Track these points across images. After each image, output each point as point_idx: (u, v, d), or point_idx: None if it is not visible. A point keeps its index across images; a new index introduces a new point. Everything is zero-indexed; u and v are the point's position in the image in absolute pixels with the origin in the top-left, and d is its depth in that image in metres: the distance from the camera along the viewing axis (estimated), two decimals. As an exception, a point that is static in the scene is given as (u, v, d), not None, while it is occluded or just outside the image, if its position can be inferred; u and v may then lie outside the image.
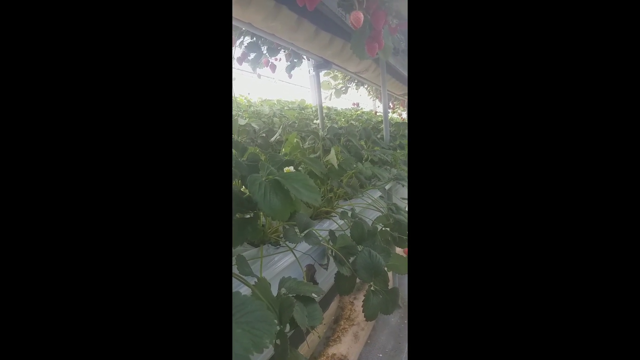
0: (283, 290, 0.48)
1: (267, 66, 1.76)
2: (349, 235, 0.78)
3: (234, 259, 0.49)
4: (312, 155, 0.95)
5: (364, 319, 0.70)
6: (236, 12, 0.94)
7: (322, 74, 2.15)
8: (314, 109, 3.08)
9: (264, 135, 1.17)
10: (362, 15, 0.71)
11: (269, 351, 0.58)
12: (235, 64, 1.71)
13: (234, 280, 0.51)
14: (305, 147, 1.14)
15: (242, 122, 1.36)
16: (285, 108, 2.77)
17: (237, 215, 0.54)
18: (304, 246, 0.72)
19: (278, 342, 0.40)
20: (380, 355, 1.19)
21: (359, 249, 0.73)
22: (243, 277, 0.47)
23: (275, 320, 0.28)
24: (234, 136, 1.05)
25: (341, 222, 0.88)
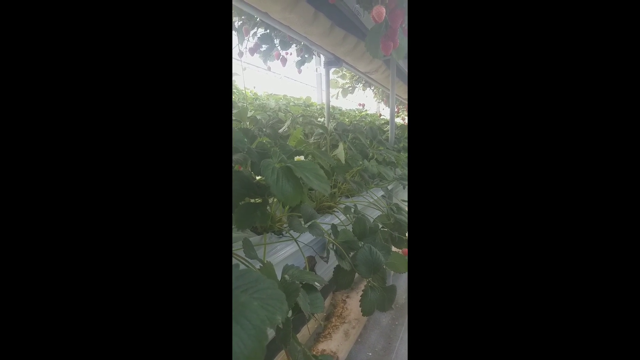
0: (287, 277, 0.48)
1: (278, 59, 1.76)
2: (350, 230, 0.78)
3: (240, 242, 0.49)
4: (319, 149, 0.95)
5: (358, 315, 0.70)
6: (254, 0, 0.94)
7: (331, 71, 2.15)
8: (318, 106, 3.08)
9: (271, 125, 1.17)
10: (384, 10, 0.71)
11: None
12: (247, 54, 1.71)
13: (240, 263, 0.51)
14: (310, 142, 1.15)
15: (248, 114, 1.36)
16: (291, 104, 2.77)
17: (246, 199, 0.54)
18: (304, 238, 0.73)
19: (281, 325, 0.40)
20: (370, 354, 1.20)
21: (360, 245, 0.73)
22: (249, 260, 0.47)
23: (285, 300, 0.29)
24: (244, 124, 1.05)
25: (343, 217, 0.88)
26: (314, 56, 1.97)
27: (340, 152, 0.84)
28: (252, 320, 0.23)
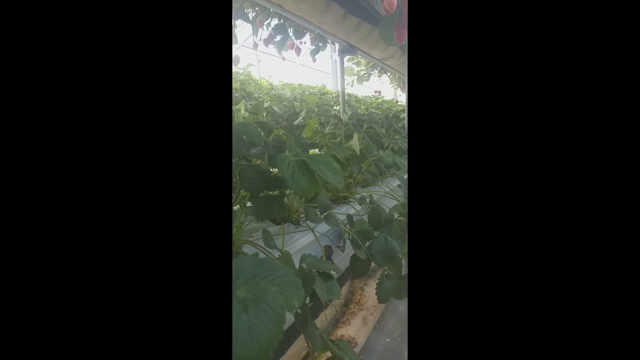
0: (304, 266, 0.50)
1: (292, 49, 1.76)
2: (366, 220, 0.79)
3: (260, 232, 0.52)
4: (334, 140, 0.96)
5: (376, 302, 0.72)
6: (267, -8, 0.94)
7: (345, 59, 2.12)
8: (334, 94, 3.06)
9: (286, 117, 1.19)
10: (396, 1, 0.70)
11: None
12: (261, 45, 1.72)
13: (257, 251, 0.54)
14: (325, 132, 1.15)
15: (264, 105, 1.38)
16: (306, 93, 2.77)
17: (264, 192, 0.56)
18: (321, 228, 0.75)
19: (299, 311, 0.43)
20: (388, 340, 1.22)
21: (376, 235, 0.75)
22: (268, 249, 0.50)
23: (302, 286, 0.31)
24: (260, 116, 1.07)
25: (359, 207, 0.90)
26: (328, 44, 1.95)
27: (355, 143, 0.84)
28: (271, 305, 0.25)
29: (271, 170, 0.61)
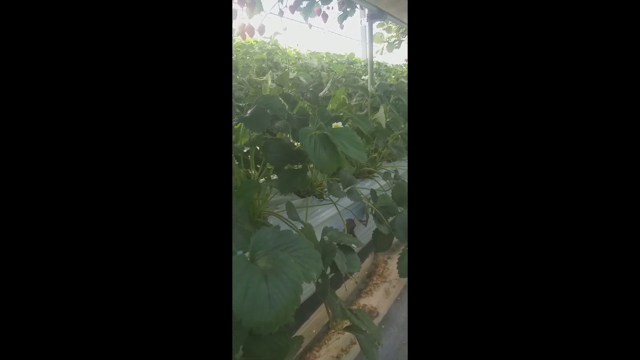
0: (325, 238, 0.52)
1: (319, 15, 1.68)
2: (389, 195, 0.79)
3: (283, 205, 0.54)
4: (359, 113, 0.94)
5: (397, 276, 0.73)
6: (292, -46, 0.89)
7: (375, 25, 2.00)
8: (362, 63, 2.93)
9: (312, 89, 1.16)
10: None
11: (308, 290, 0.64)
12: (287, 12, 1.66)
13: (281, 222, 0.56)
14: (352, 104, 1.12)
15: (291, 75, 1.36)
16: (334, 62, 2.68)
17: (288, 166, 0.57)
18: (345, 201, 0.75)
19: (320, 281, 0.45)
20: (409, 311, 1.23)
21: (399, 210, 0.74)
22: (291, 221, 0.51)
23: (321, 259, 0.32)
24: (286, 88, 1.06)
25: (383, 182, 0.89)
26: (357, 9, 1.84)
27: (381, 115, 0.81)
28: (289, 275, 0.26)
29: (294, 144, 0.61)
